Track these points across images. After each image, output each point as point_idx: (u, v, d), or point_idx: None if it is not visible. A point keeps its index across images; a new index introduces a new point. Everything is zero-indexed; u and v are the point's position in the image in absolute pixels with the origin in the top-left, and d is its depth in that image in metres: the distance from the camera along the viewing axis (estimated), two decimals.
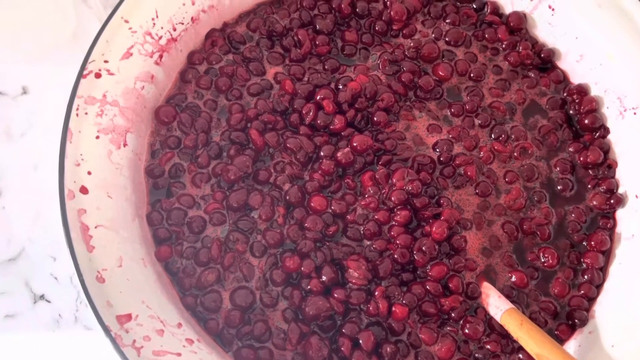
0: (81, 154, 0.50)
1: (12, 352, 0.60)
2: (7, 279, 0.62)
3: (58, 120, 0.50)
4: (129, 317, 0.46)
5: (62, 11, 0.74)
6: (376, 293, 0.52)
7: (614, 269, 0.56)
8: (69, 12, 0.74)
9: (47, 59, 0.71)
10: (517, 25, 0.65)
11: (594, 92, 0.63)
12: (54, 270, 0.62)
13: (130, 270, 0.48)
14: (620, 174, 0.59)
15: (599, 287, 0.56)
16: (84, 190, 0.49)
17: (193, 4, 0.59)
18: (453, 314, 0.53)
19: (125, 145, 0.54)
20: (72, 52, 0.69)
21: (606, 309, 0.54)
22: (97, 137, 0.51)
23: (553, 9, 0.63)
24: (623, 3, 0.59)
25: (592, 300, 0.55)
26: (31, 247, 0.63)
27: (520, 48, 0.65)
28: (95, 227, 0.48)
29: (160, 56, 0.57)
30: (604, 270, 0.56)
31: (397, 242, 0.54)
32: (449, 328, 0.53)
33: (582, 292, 0.55)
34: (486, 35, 0.65)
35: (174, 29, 0.58)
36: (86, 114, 0.51)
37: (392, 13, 0.64)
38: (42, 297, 0.61)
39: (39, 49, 0.72)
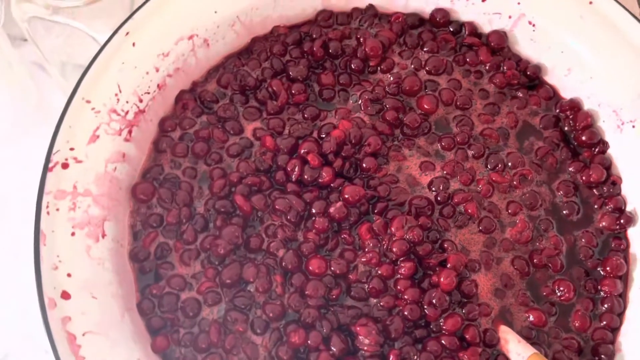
0: (58, 255, 0.46)
1: None
2: None
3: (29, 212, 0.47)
4: None
5: (19, 83, 0.70)
6: (391, 357, 0.49)
7: (634, 294, 0.53)
8: (27, 84, 0.70)
9: (11, 139, 0.67)
10: (499, 44, 0.63)
11: (587, 106, 0.60)
12: None
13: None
14: (626, 190, 0.57)
15: (620, 315, 0.53)
16: (65, 295, 0.45)
17: (157, 70, 0.56)
18: None
19: (104, 236, 0.50)
20: (37, 128, 0.65)
21: (631, 339, 0.51)
22: (73, 234, 0.48)
23: (534, 25, 0.60)
24: (606, 11, 0.56)
25: (615, 330, 0.52)
26: (20, 343, 0.60)
27: (505, 68, 0.62)
28: (83, 335, 0.45)
29: (130, 132, 0.54)
30: (623, 296, 0.54)
31: (405, 297, 0.51)
32: None
33: (604, 322, 0.53)
34: (467, 59, 0.62)
35: (140, 100, 0.55)
36: (57, 210, 0.47)
37: (367, 49, 0.61)
38: None
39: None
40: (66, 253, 0.47)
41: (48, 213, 0.47)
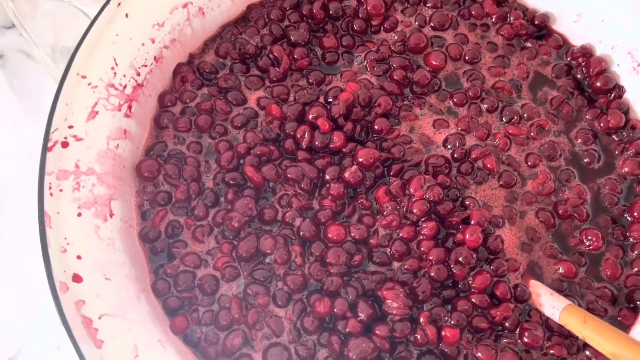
0: (65, 238, 0.44)
1: None
2: None
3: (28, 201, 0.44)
4: None
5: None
6: (421, 320, 0.47)
7: None
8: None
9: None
10: None
11: (599, 51, 0.58)
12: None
13: (149, 357, 0.42)
14: None
15: None
16: (77, 278, 0.43)
17: (153, 42, 0.53)
18: (507, 324, 0.48)
19: (112, 215, 0.47)
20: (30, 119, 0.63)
21: None
22: (79, 215, 0.45)
23: None
24: None
25: None
26: (31, 340, 0.57)
27: (512, 19, 0.60)
28: (99, 318, 0.42)
29: (129, 107, 0.51)
30: None
31: (430, 258, 0.49)
32: (505, 340, 0.48)
33: (636, 269, 0.51)
34: (472, 12, 0.60)
35: (138, 74, 0.52)
36: (61, 190, 0.45)
37: (368, 8, 0.59)
38: None
39: None
40: (74, 235, 0.44)
41: (51, 194, 0.44)
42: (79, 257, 0.43)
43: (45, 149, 0.45)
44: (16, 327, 0.57)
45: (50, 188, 0.44)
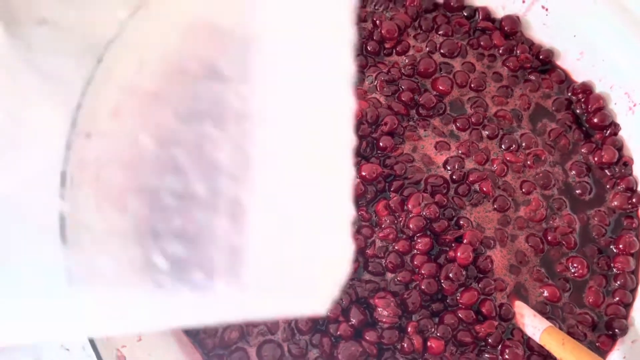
0: None
1: None
2: (15, 355, 0.59)
3: None
4: None
5: None
6: (409, 329, 0.50)
7: None
8: None
9: None
10: (512, 29, 0.64)
11: (599, 89, 0.61)
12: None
13: (149, 343, 0.45)
14: (638, 170, 0.58)
15: (633, 291, 0.54)
16: None
17: None
18: (490, 340, 0.51)
19: None
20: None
21: None
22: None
23: (547, 9, 0.61)
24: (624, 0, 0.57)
25: (628, 306, 0.53)
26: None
27: (518, 52, 0.63)
28: None
29: None
30: (635, 273, 0.55)
31: (422, 272, 0.52)
32: (487, 355, 0.51)
33: (617, 298, 0.54)
34: (481, 43, 0.64)
35: None
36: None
37: (383, 31, 0.62)
38: None
39: None
40: None
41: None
42: None
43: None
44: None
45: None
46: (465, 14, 0.65)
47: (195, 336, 0.50)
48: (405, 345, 0.50)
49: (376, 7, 0.65)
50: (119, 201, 0.37)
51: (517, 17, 0.64)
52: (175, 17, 0.45)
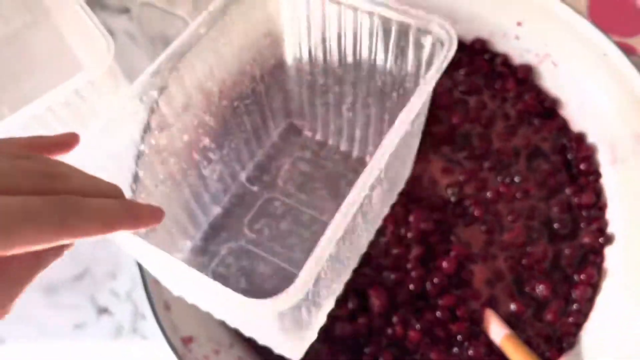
0: None
1: (80, 358, 0.70)
2: (75, 293, 0.72)
3: None
4: (190, 339, 0.56)
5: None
6: (394, 319, 0.62)
7: (599, 300, 0.64)
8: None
9: None
10: (525, 76, 0.73)
11: (590, 139, 0.71)
12: (114, 286, 0.72)
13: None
14: (610, 215, 0.68)
15: (585, 315, 0.64)
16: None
17: None
18: (459, 338, 0.62)
19: None
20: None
21: (590, 335, 0.63)
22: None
23: (556, 65, 0.71)
24: (617, 64, 0.67)
25: (579, 327, 0.64)
26: (94, 266, 0.73)
27: (527, 97, 0.73)
28: None
29: None
30: (591, 301, 0.65)
31: (413, 274, 0.63)
32: (455, 349, 0.62)
33: (572, 319, 0.64)
34: (496, 86, 0.73)
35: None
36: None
37: None
38: (105, 310, 0.71)
39: None
40: None
41: None
42: None
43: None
44: (87, 253, 0.73)
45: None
46: (487, 58, 0.75)
47: None
48: (390, 331, 0.61)
49: None
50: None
51: (531, 67, 0.73)
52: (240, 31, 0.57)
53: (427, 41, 0.51)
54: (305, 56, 0.61)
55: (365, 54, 0.57)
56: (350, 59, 0.58)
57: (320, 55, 0.60)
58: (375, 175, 0.42)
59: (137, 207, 0.33)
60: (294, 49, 0.62)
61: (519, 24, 0.71)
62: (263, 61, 0.62)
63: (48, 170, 0.30)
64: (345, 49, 0.58)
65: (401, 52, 0.54)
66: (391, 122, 0.54)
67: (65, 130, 0.38)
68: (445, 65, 0.47)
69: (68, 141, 0.38)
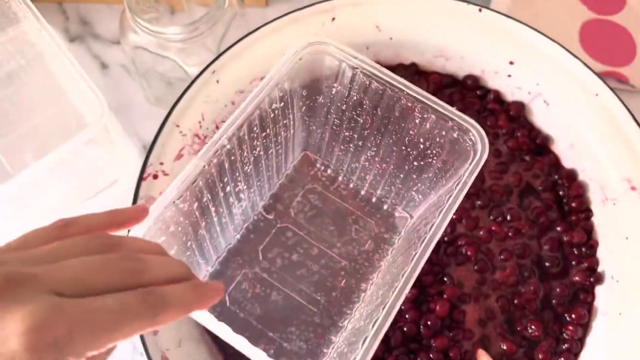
0: None
1: None
2: None
3: None
4: None
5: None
6: None
7: (590, 340, 0.66)
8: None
9: None
10: (517, 113, 0.74)
11: (581, 177, 0.71)
12: None
13: (187, 348, 0.59)
14: (600, 253, 0.69)
15: (576, 355, 0.66)
16: None
17: (233, 104, 0.68)
18: None
19: None
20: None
21: None
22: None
23: (547, 104, 0.71)
24: (608, 105, 0.68)
25: None
26: None
27: (519, 134, 0.74)
28: None
29: None
30: (581, 340, 0.66)
31: (406, 316, 0.64)
32: None
33: (562, 359, 0.65)
34: (488, 122, 0.74)
35: (217, 128, 0.67)
36: None
37: None
38: None
39: None
40: None
41: None
42: None
43: (141, 179, 0.61)
44: None
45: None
46: (479, 94, 0.76)
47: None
48: None
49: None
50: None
51: (523, 105, 0.74)
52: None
53: (462, 137, 0.57)
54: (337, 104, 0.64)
55: (394, 127, 0.61)
56: (378, 124, 0.63)
57: (350, 111, 0.64)
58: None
59: (205, 287, 0.37)
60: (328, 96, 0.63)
61: (511, 62, 0.72)
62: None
63: (134, 266, 0.33)
64: (379, 117, 0.62)
65: (432, 136, 0.59)
66: (405, 179, 0.64)
67: (59, 184, 0.40)
68: (480, 166, 0.55)
69: (141, 215, 0.43)
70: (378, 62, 0.75)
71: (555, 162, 0.74)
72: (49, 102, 0.65)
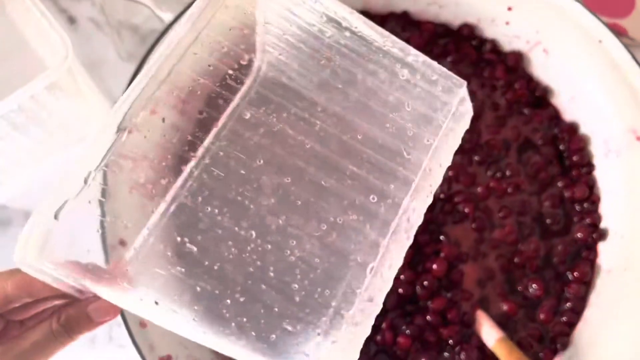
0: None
1: None
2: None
3: None
4: (169, 358, 0.52)
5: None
6: (383, 325, 0.59)
7: (593, 299, 0.63)
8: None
9: None
10: (515, 64, 0.70)
11: (582, 130, 0.68)
12: None
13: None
14: (603, 209, 0.66)
15: (579, 314, 0.63)
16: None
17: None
18: (451, 342, 0.60)
19: None
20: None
21: (585, 335, 0.61)
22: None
23: (547, 52, 0.67)
24: (613, 52, 0.63)
25: (572, 326, 0.62)
26: None
27: (517, 86, 0.70)
28: None
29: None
30: (584, 299, 0.63)
31: (402, 277, 0.61)
32: (446, 354, 0.60)
33: (565, 319, 0.62)
34: (485, 74, 0.70)
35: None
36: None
37: None
38: None
39: None
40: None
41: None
42: None
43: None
44: None
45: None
46: (474, 44, 0.71)
47: None
48: (379, 337, 0.59)
49: (394, 28, 0.71)
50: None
51: (521, 54, 0.70)
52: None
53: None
54: None
55: None
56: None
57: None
58: None
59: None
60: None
61: (509, 8, 0.67)
62: None
63: None
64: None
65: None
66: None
67: (21, 136, 0.35)
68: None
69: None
70: (368, 11, 0.71)
71: (555, 115, 0.70)
72: (7, 45, 0.59)
